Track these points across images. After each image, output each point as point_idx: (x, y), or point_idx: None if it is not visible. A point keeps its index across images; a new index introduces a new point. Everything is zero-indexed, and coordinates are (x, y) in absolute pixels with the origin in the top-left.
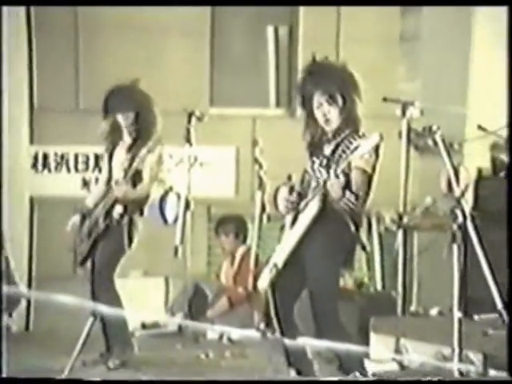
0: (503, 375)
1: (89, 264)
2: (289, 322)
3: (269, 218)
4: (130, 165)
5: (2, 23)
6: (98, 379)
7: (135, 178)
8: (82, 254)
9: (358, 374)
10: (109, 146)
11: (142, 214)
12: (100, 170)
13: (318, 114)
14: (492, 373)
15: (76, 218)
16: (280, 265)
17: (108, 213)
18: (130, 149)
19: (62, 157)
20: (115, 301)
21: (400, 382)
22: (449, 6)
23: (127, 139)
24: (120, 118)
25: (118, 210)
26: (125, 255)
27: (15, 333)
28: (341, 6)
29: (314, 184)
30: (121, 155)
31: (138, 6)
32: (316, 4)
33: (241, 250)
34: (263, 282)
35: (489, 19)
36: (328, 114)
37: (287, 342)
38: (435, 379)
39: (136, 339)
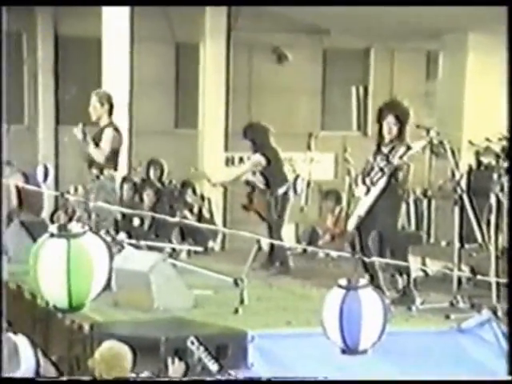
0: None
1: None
2: (366, 247)
3: (353, 194)
4: None
5: (1, 23)
6: (98, 379)
7: None
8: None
9: (405, 275)
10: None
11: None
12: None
13: (385, 127)
14: (478, 277)
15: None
16: (362, 215)
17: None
18: None
19: None
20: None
21: (402, 382)
22: (448, 5)
23: None
24: None
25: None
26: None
27: (216, 251)
28: (345, 6)
29: (376, 169)
30: None
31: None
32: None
33: (337, 208)
34: (351, 226)
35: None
36: (392, 128)
37: (365, 259)
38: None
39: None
